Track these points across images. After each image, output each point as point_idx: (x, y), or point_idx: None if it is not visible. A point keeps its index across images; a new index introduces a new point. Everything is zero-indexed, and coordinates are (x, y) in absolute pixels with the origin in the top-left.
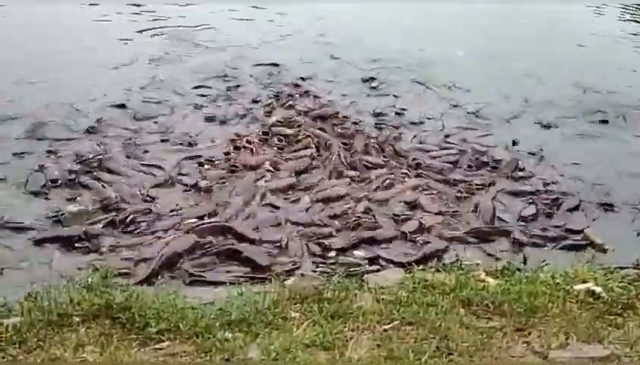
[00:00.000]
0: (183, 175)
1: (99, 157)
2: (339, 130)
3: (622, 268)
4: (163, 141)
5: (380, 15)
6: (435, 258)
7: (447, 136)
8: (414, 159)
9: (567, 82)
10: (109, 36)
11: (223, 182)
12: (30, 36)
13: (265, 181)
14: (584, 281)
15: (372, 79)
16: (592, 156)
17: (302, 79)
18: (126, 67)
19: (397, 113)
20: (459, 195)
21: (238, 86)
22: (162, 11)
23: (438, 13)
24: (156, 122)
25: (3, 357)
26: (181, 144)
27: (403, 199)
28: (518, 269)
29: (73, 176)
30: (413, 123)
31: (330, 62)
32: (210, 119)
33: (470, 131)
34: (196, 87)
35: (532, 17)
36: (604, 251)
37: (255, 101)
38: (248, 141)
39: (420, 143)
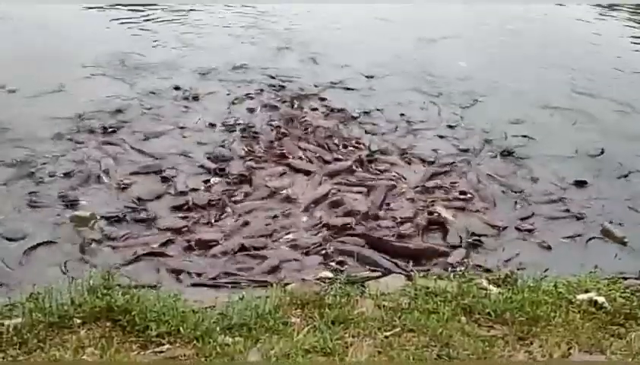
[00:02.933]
0: None
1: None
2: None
3: (625, 278)
4: None
5: (380, 17)
6: None
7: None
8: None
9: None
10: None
11: None
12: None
13: None
14: (587, 291)
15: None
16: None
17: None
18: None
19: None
20: None
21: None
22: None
23: (440, 14)
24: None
25: (3, 358)
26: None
27: None
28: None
29: None
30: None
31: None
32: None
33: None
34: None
35: (533, 17)
36: (624, 243)
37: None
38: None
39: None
